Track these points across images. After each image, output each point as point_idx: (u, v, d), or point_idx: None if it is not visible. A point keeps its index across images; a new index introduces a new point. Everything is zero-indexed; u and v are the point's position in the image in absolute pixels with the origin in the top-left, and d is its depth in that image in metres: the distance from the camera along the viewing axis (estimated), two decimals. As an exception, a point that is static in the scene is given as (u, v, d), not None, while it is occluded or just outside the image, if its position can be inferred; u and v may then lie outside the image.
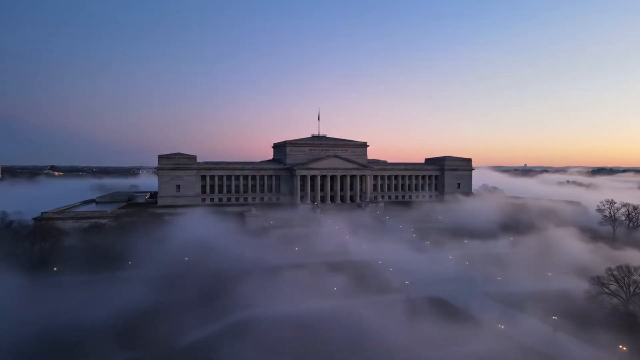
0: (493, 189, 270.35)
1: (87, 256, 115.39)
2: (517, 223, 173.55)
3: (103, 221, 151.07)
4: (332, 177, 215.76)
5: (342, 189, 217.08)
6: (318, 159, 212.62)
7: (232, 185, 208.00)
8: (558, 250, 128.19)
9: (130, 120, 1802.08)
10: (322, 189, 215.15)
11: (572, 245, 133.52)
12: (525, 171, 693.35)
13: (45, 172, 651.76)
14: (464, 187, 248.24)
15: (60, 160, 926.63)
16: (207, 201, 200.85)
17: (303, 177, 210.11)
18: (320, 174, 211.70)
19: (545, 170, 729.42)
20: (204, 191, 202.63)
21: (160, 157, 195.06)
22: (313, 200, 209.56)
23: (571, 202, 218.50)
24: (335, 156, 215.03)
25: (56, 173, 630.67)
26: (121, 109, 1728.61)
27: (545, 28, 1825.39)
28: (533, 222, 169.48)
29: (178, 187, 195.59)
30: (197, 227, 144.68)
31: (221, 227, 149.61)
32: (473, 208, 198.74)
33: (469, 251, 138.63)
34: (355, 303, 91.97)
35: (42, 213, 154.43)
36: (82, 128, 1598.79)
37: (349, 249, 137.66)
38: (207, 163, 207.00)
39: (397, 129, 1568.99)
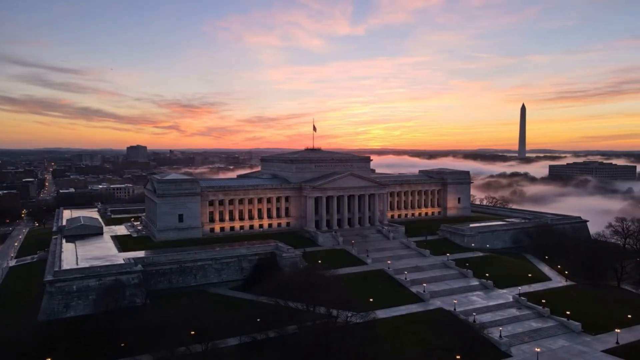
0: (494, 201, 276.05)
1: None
2: (563, 250, 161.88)
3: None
4: (341, 198, 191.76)
5: (351, 210, 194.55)
6: (332, 178, 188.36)
7: (235, 211, 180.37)
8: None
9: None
10: (338, 211, 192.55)
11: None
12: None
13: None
14: (464, 201, 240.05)
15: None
16: (217, 231, 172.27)
17: (317, 199, 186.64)
18: (337, 194, 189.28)
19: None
20: (212, 219, 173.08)
21: (160, 182, 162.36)
22: (329, 225, 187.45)
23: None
24: (351, 174, 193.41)
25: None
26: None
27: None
28: (579, 248, 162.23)
29: (181, 217, 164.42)
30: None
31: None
32: (495, 231, 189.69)
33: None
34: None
35: None
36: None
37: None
38: (210, 188, 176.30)
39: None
